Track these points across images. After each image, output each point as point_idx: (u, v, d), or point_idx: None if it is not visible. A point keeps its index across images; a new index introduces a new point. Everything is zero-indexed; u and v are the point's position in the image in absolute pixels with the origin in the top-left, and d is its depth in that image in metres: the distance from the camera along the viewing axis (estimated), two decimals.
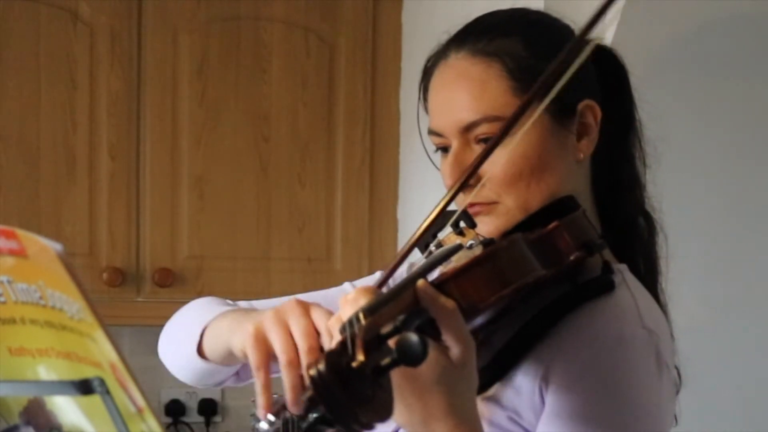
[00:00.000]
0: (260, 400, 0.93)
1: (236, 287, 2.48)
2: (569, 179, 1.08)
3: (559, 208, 1.04)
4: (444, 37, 1.11)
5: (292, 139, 2.49)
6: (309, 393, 0.73)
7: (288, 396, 0.90)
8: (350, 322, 0.78)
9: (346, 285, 1.27)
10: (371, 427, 0.73)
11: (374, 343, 0.74)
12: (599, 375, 0.98)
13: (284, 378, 0.91)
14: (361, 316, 0.77)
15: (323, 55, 2.50)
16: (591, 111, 1.08)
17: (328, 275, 2.48)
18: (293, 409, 0.90)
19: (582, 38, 0.91)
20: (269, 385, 0.93)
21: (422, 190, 2.45)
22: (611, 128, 1.11)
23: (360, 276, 2.43)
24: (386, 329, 0.75)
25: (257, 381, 0.94)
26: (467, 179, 0.98)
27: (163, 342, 1.26)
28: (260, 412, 0.93)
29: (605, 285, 1.03)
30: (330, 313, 0.93)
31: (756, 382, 2.45)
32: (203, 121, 2.46)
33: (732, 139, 2.22)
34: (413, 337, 0.71)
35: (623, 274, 1.08)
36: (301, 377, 0.90)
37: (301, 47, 2.49)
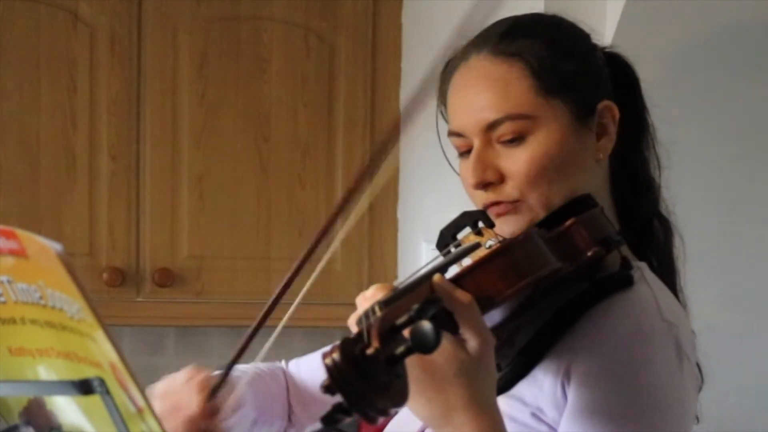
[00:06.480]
0: None
1: (236, 287, 2.48)
2: (589, 178, 1.10)
3: (577, 205, 1.06)
4: (461, 41, 1.12)
5: (292, 139, 2.49)
6: (325, 381, 0.74)
7: None
8: (366, 314, 0.80)
9: None
10: (387, 413, 0.75)
11: (389, 333, 0.76)
12: (619, 369, 0.99)
13: None
14: (376, 308, 0.80)
15: (323, 55, 2.50)
16: (609, 111, 1.10)
17: (328, 275, 2.48)
18: None
19: None
20: None
21: (422, 190, 2.44)
22: (625, 132, 1.13)
23: (360, 276, 2.45)
24: (401, 320, 0.77)
25: None
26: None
27: None
28: None
29: (624, 280, 1.04)
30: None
31: None
32: (203, 121, 2.46)
33: (741, 140, 2.21)
34: (426, 325, 0.73)
35: (642, 270, 1.09)
36: None
37: (301, 47, 2.48)
